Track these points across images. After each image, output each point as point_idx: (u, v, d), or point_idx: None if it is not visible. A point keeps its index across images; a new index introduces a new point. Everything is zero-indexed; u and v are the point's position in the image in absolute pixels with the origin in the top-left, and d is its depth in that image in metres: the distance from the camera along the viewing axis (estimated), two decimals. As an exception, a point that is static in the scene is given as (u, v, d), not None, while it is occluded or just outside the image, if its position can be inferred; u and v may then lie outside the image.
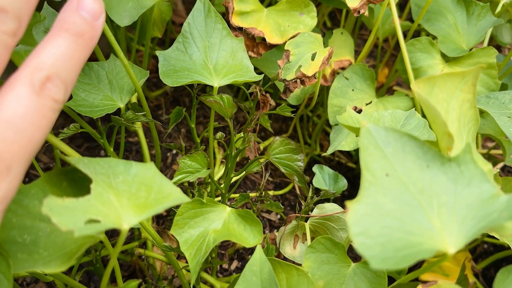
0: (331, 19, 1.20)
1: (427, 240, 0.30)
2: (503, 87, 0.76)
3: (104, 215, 0.31)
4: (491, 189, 0.33)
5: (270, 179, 0.89)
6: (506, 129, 0.57)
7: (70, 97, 0.49)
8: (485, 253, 0.87)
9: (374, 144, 0.34)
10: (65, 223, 0.29)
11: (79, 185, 0.37)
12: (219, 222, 0.46)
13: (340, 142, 0.70)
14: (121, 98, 0.50)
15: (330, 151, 0.70)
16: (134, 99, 0.77)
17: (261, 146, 0.87)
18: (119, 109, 0.51)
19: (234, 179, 0.74)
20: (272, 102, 0.68)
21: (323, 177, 0.69)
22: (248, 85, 0.57)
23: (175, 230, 0.44)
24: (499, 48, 1.14)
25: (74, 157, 0.36)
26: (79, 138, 0.90)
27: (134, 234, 0.70)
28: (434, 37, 0.75)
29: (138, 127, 0.68)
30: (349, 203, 0.32)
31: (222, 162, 0.84)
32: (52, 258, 0.32)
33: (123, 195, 0.34)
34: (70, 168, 0.37)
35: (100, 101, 0.49)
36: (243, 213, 0.46)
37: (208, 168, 0.51)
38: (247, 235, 0.44)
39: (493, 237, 0.81)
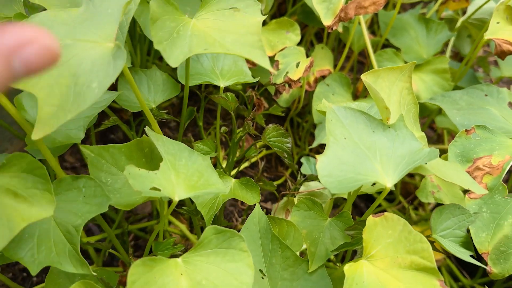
0: (318, 38, 1.36)
1: (371, 177, 0.44)
2: (459, 89, 0.91)
3: (164, 187, 0.44)
4: (418, 145, 0.47)
5: (266, 174, 1.03)
6: (453, 118, 0.72)
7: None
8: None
9: (336, 117, 0.48)
10: (137, 186, 0.42)
11: (154, 152, 0.51)
12: (227, 189, 0.59)
13: (323, 137, 0.84)
14: (154, 100, 0.64)
15: (315, 144, 0.84)
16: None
17: (258, 145, 1.01)
18: (151, 109, 0.65)
19: (237, 170, 0.88)
20: (266, 105, 0.83)
21: (309, 166, 0.83)
22: (245, 91, 0.71)
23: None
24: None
25: (155, 134, 0.49)
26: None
27: (153, 214, 0.83)
28: (398, 49, 0.90)
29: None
30: (318, 156, 0.45)
31: (224, 158, 0.97)
32: (122, 200, 0.46)
33: (181, 176, 0.47)
34: (149, 140, 0.50)
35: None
36: (244, 181, 0.60)
37: (216, 151, 0.65)
38: (248, 196, 0.58)
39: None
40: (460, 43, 1.10)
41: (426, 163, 0.45)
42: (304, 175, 0.78)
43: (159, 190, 0.43)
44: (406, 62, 0.87)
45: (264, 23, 0.97)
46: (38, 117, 0.36)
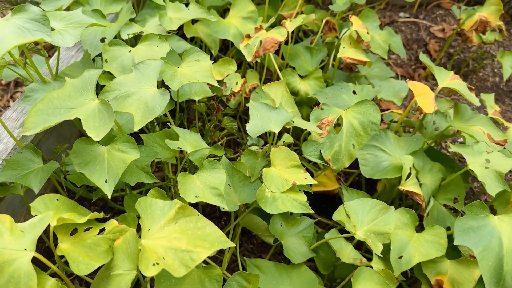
0: (250, 66, 1.97)
1: (268, 128, 1.05)
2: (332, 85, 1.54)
3: (182, 146, 1.02)
4: (289, 115, 1.08)
5: (227, 149, 1.62)
6: (322, 102, 1.34)
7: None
8: (348, 174, 1.63)
9: (253, 106, 1.08)
10: (172, 146, 1.00)
11: (173, 134, 1.09)
12: (208, 149, 1.18)
13: (258, 123, 1.45)
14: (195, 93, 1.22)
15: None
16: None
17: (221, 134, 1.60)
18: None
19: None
20: (222, 108, 1.42)
21: (250, 140, 1.43)
22: (209, 101, 1.30)
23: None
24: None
25: (174, 127, 1.07)
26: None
27: (154, 162, 1.40)
28: (294, 68, 1.52)
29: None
30: (247, 124, 1.06)
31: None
32: (162, 155, 1.04)
33: (187, 142, 1.06)
34: (170, 130, 1.08)
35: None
36: (216, 146, 1.19)
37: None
38: (218, 152, 1.17)
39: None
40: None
41: (293, 121, 1.06)
42: (249, 145, 1.38)
43: (180, 148, 1.02)
44: (300, 76, 1.50)
45: (215, 60, 1.57)
46: (135, 121, 0.94)
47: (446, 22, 2.34)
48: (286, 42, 1.62)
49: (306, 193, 1.09)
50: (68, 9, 1.34)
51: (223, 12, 1.84)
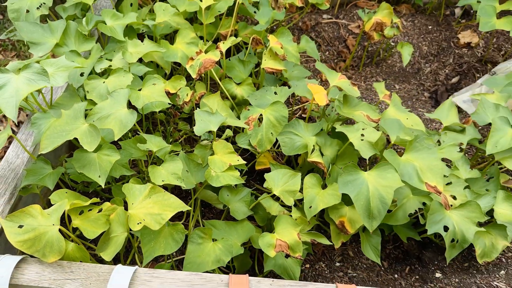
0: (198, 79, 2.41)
1: (209, 128, 1.50)
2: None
3: (150, 147, 1.47)
4: (221, 117, 1.54)
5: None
6: (252, 103, 1.80)
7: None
8: (283, 155, 2.10)
9: (198, 114, 1.53)
10: (142, 147, 1.45)
11: (144, 140, 1.53)
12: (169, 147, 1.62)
13: (208, 122, 1.91)
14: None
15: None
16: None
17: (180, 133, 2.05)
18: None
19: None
20: (178, 113, 1.87)
21: (203, 136, 1.88)
22: (168, 109, 1.74)
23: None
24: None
25: (143, 134, 1.51)
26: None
27: (130, 160, 1.84)
28: (231, 77, 1.97)
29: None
30: (194, 127, 1.51)
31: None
32: (136, 155, 1.48)
33: (154, 144, 1.50)
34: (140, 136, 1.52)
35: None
36: (176, 144, 1.63)
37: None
38: (176, 148, 1.62)
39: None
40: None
41: (227, 121, 1.52)
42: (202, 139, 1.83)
43: (148, 148, 1.47)
44: (236, 83, 1.95)
45: (170, 77, 2.01)
46: (115, 133, 1.38)
47: (361, 20, 2.83)
48: (228, 56, 2.07)
49: (246, 171, 1.55)
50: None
51: (174, 33, 2.26)
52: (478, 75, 2.60)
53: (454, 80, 2.61)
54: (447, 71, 2.64)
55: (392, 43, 2.72)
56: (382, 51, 2.69)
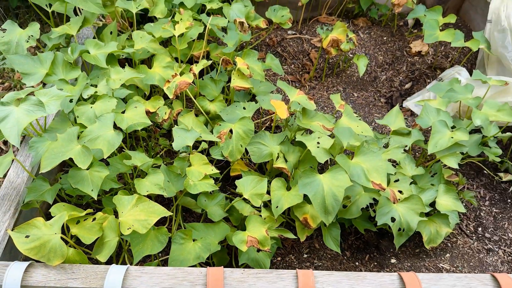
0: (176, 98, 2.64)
1: (186, 143, 1.74)
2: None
3: (134, 162, 1.70)
4: (196, 133, 1.78)
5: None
6: (224, 118, 2.04)
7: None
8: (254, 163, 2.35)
9: (176, 131, 1.77)
10: (127, 163, 1.67)
11: (129, 157, 1.76)
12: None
13: (185, 136, 2.14)
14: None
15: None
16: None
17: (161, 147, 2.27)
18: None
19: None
20: (159, 130, 2.10)
21: (182, 149, 2.12)
22: (149, 127, 1.97)
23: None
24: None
25: (128, 151, 1.74)
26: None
27: (118, 174, 2.07)
28: (202, 95, 2.21)
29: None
30: (174, 137, 1.74)
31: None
32: (123, 170, 1.71)
33: (138, 160, 1.73)
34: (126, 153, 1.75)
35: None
36: (157, 157, 1.86)
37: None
38: (158, 162, 1.84)
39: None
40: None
41: (201, 137, 1.75)
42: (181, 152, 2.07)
43: (133, 163, 1.69)
44: (209, 100, 2.19)
45: (149, 97, 2.24)
46: (104, 152, 1.60)
47: (323, 34, 3.11)
48: (202, 72, 2.30)
49: (223, 177, 1.79)
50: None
51: (151, 57, 2.49)
52: (428, 81, 2.90)
53: (407, 86, 2.91)
54: (401, 78, 2.93)
55: (351, 55, 3.00)
56: (342, 63, 2.97)
